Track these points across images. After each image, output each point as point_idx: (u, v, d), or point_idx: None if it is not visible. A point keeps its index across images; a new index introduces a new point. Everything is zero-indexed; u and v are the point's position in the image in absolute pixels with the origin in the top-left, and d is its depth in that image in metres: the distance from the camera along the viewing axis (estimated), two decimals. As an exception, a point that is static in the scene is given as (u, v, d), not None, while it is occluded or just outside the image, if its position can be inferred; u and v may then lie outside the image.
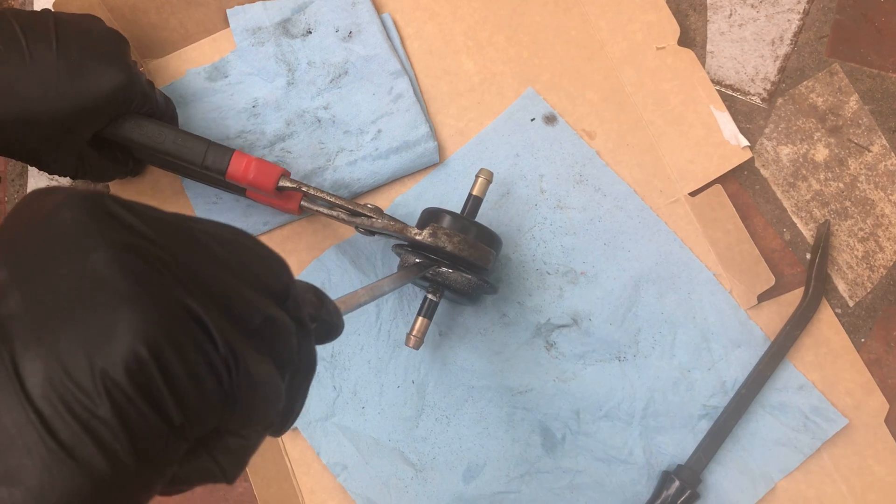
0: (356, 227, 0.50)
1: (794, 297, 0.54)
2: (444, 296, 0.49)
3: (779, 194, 0.57)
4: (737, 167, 0.56)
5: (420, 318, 0.48)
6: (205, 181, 0.53)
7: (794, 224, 0.56)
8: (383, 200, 0.56)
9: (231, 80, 0.57)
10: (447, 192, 0.55)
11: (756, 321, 0.54)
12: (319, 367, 0.53)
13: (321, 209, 0.50)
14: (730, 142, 0.56)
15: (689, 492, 0.50)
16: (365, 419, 0.53)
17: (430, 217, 0.47)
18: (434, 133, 0.57)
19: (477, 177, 0.48)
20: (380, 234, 0.50)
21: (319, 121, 0.56)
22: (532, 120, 0.57)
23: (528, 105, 0.57)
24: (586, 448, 0.53)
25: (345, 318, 0.33)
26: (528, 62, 0.57)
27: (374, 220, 0.48)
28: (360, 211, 0.48)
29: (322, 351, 0.53)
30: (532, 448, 0.53)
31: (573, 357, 0.54)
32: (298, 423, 0.53)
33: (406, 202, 0.56)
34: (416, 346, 0.48)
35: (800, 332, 0.52)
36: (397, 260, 0.52)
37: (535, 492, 0.52)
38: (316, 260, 0.55)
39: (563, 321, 0.54)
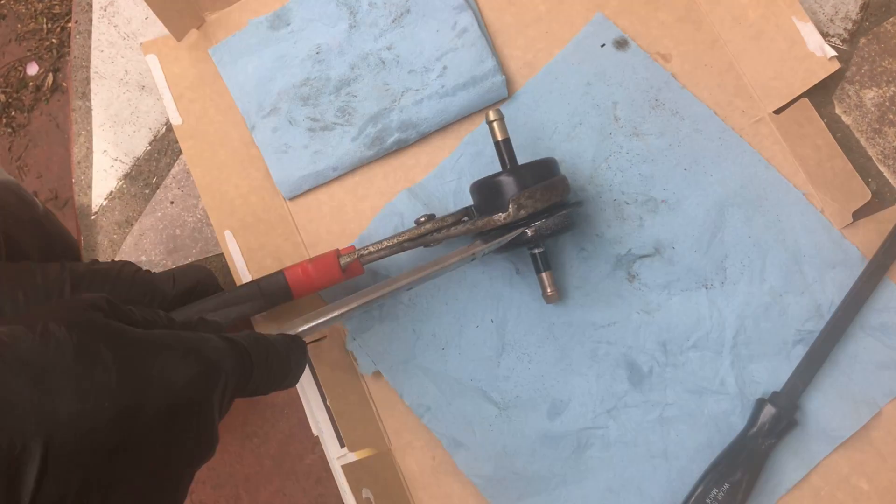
0: (427, 246, 0.49)
1: (891, 214, 0.51)
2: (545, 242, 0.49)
3: (863, 142, 0.53)
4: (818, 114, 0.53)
5: (544, 274, 0.49)
6: (263, 311, 0.50)
7: (880, 173, 0.53)
8: (452, 139, 0.55)
9: (293, 27, 0.57)
10: (518, 126, 0.54)
11: (851, 240, 0.51)
12: (398, 312, 0.53)
13: (384, 253, 0.49)
14: (815, 53, 0.53)
15: (786, 419, 0.48)
16: (446, 360, 0.53)
17: (484, 189, 0.47)
18: (501, 67, 0.55)
19: (490, 123, 0.48)
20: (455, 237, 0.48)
21: (383, 62, 0.55)
22: (602, 46, 0.55)
23: (597, 31, 0.55)
24: (675, 380, 0.51)
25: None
26: (595, -14, 0.55)
27: (445, 229, 0.47)
28: (425, 231, 0.48)
29: (402, 295, 0.53)
30: (618, 382, 0.51)
31: (657, 287, 0.52)
32: (380, 365, 0.53)
33: (475, 140, 0.55)
34: (558, 299, 0.50)
35: (901, 248, 0.49)
36: (468, 199, 0.51)
37: (623, 426, 0.51)
38: (388, 204, 0.55)
39: (645, 251, 0.53)
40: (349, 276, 0.49)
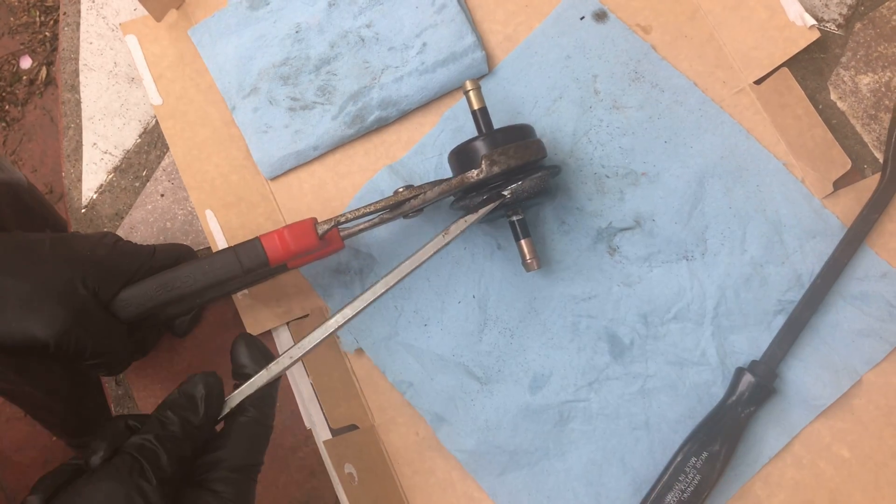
0: (406, 216, 0.48)
1: (872, 183, 0.51)
2: (522, 208, 0.49)
3: (858, 128, 0.53)
4: (812, 101, 0.52)
5: (523, 241, 0.48)
6: (244, 286, 0.50)
7: (875, 160, 0.52)
8: (433, 116, 0.55)
9: (273, 6, 0.56)
10: (498, 101, 0.54)
11: (832, 209, 0.51)
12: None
13: (362, 225, 0.48)
14: (795, 22, 0.52)
15: (765, 387, 0.48)
16: (428, 336, 0.53)
17: (462, 155, 0.46)
18: (481, 42, 0.55)
19: (466, 92, 0.47)
20: (432, 203, 0.47)
21: (363, 40, 0.55)
22: (582, 18, 0.55)
23: (576, 3, 0.55)
24: (656, 352, 0.51)
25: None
26: (573, -41, 0.54)
27: (422, 194, 0.46)
28: (401, 197, 0.47)
29: (383, 273, 0.52)
30: (599, 355, 0.51)
31: (638, 260, 0.52)
32: (363, 342, 0.53)
33: (456, 116, 0.55)
34: (538, 266, 0.48)
35: (878, 216, 0.49)
36: (448, 172, 0.51)
37: (604, 399, 0.51)
38: (369, 181, 0.55)
39: (626, 224, 0.52)
40: (329, 250, 0.48)
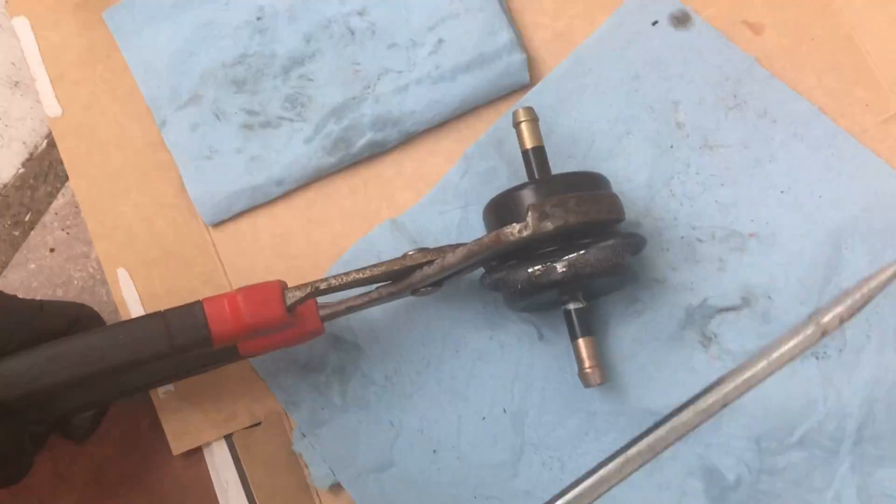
0: (417, 292, 0.40)
1: None
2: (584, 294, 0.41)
3: None
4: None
5: (582, 342, 0.39)
6: (169, 375, 0.41)
7: None
8: (452, 144, 0.45)
9: (225, -18, 0.46)
10: (546, 130, 0.43)
11: None
12: (369, 395, 0.44)
13: (351, 301, 0.40)
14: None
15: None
16: (438, 467, 0.43)
17: (500, 208, 0.39)
18: (520, 40, 0.45)
19: (517, 125, 0.40)
20: (455, 273, 0.40)
21: (353, 32, 0.45)
22: (654, 24, 0.45)
23: (646, 2, 0.45)
24: (772, 493, 0.40)
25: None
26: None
27: (441, 259, 0.38)
28: (411, 263, 0.39)
29: (372, 367, 0.44)
30: (690, 499, 0.41)
31: (745, 356, 0.40)
32: (342, 475, 0.43)
33: (485, 152, 0.44)
34: (601, 379, 0.39)
35: None
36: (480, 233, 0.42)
37: (700, 566, 0.39)
38: (360, 240, 0.45)
39: (729, 302, 0.42)
40: (300, 332, 0.40)
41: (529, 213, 0.36)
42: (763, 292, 0.42)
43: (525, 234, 0.35)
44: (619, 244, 0.37)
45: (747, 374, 0.35)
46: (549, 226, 0.35)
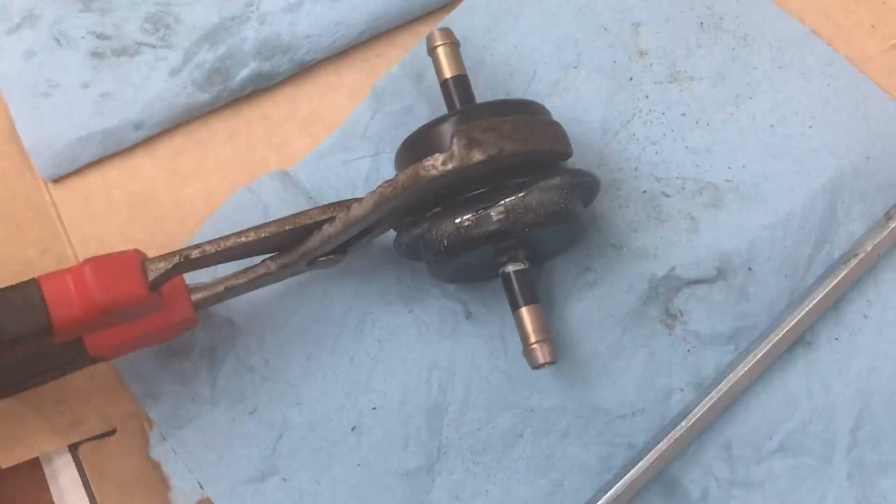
0: (314, 264, 0.36)
1: None
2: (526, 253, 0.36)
3: None
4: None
5: (526, 310, 0.34)
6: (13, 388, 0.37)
7: None
8: (357, 75, 0.40)
9: None
10: (475, 60, 0.40)
11: None
12: (243, 383, 0.39)
13: (233, 281, 0.35)
14: None
15: None
16: (333, 476, 0.37)
17: (418, 146, 0.35)
18: None
19: (433, 51, 0.37)
20: (362, 235, 0.35)
21: None
22: None
23: None
24: None
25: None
26: None
27: (345, 213, 0.34)
28: (307, 221, 0.34)
29: (252, 357, 0.39)
30: None
31: (717, 339, 0.37)
32: (210, 488, 0.37)
33: (400, 87, 0.39)
34: (552, 358, 0.34)
35: None
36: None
37: None
38: (242, 189, 0.40)
39: (700, 273, 0.37)
40: (170, 324, 0.35)
41: (455, 141, 0.31)
42: (742, 262, 0.38)
43: (450, 165, 0.31)
44: (566, 183, 0.32)
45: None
46: (479, 156, 0.31)
